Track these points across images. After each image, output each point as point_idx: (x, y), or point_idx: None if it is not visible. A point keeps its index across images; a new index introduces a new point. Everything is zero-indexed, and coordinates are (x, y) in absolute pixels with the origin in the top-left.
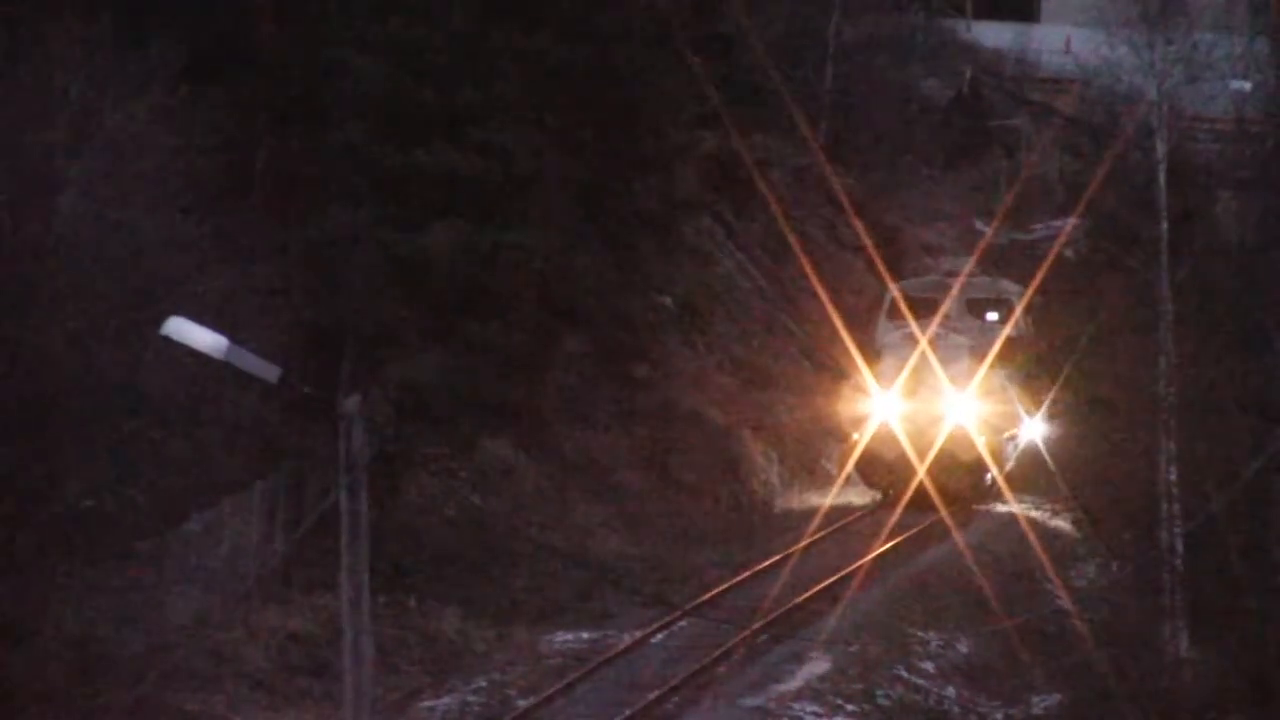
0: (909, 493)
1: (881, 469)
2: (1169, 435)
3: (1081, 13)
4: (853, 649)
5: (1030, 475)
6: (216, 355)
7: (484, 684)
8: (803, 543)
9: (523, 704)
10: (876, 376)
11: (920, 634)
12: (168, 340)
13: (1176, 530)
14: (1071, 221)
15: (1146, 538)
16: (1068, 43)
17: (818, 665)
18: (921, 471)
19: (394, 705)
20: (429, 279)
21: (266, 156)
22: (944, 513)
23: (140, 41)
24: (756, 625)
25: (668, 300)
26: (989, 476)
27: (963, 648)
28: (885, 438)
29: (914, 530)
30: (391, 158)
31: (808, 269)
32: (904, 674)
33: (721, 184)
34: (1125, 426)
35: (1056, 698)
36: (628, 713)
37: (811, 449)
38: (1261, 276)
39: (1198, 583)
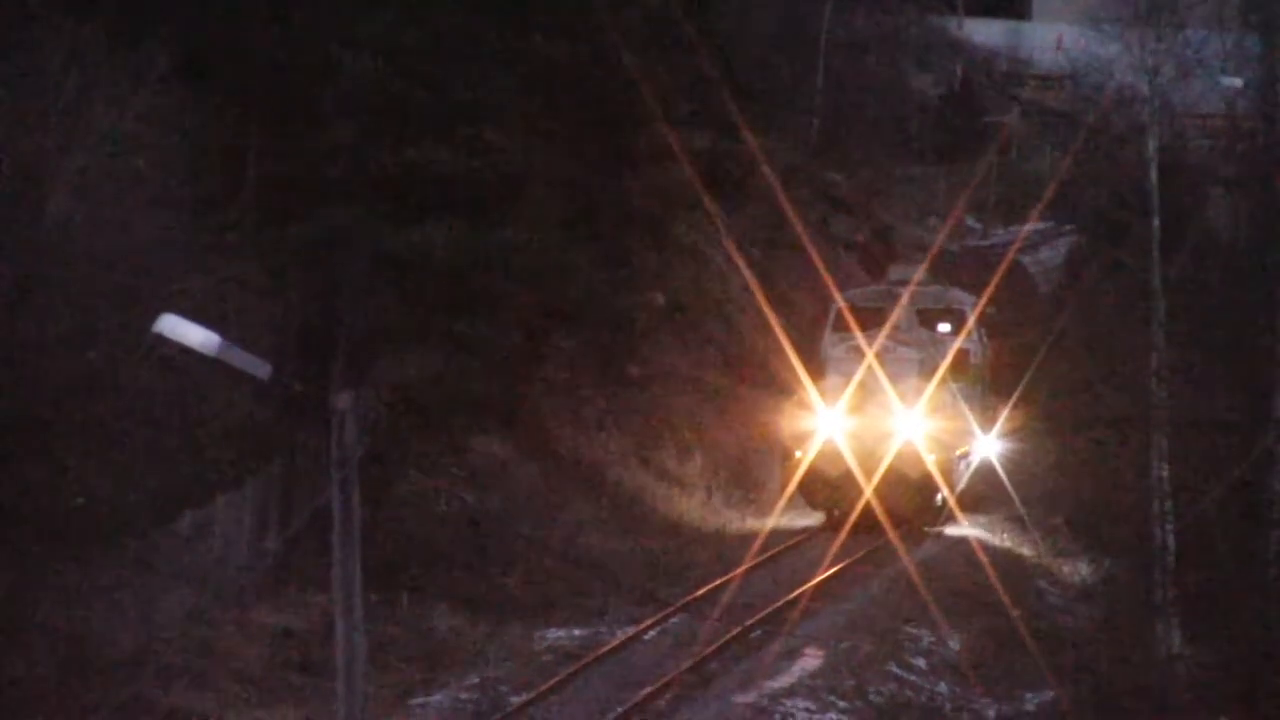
0: (855, 514)
1: (825, 488)
2: (1161, 433)
3: (1073, 10)
4: (845, 645)
5: (986, 494)
6: (209, 353)
7: (476, 681)
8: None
9: (515, 701)
10: (821, 392)
11: (913, 630)
12: (160, 338)
13: (1168, 528)
14: (1029, 228)
15: (1138, 535)
16: (1059, 40)
17: (810, 661)
18: (868, 491)
19: (387, 702)
20: (421, 277)
21: (258, 155)
22: (892, 535)
23: (132, 40)
24: (749, 622)
25: (659, 298)
26: (940, 497)
27: (954, 644)
28: (829, 455)
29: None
30: (383, 156)
31: (752, 282)
32: (896, 670)
33: (713, 182)
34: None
35: (1049, 694)
36: (620, 709)
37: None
38: (1252, 273)
39: (1189, 580)
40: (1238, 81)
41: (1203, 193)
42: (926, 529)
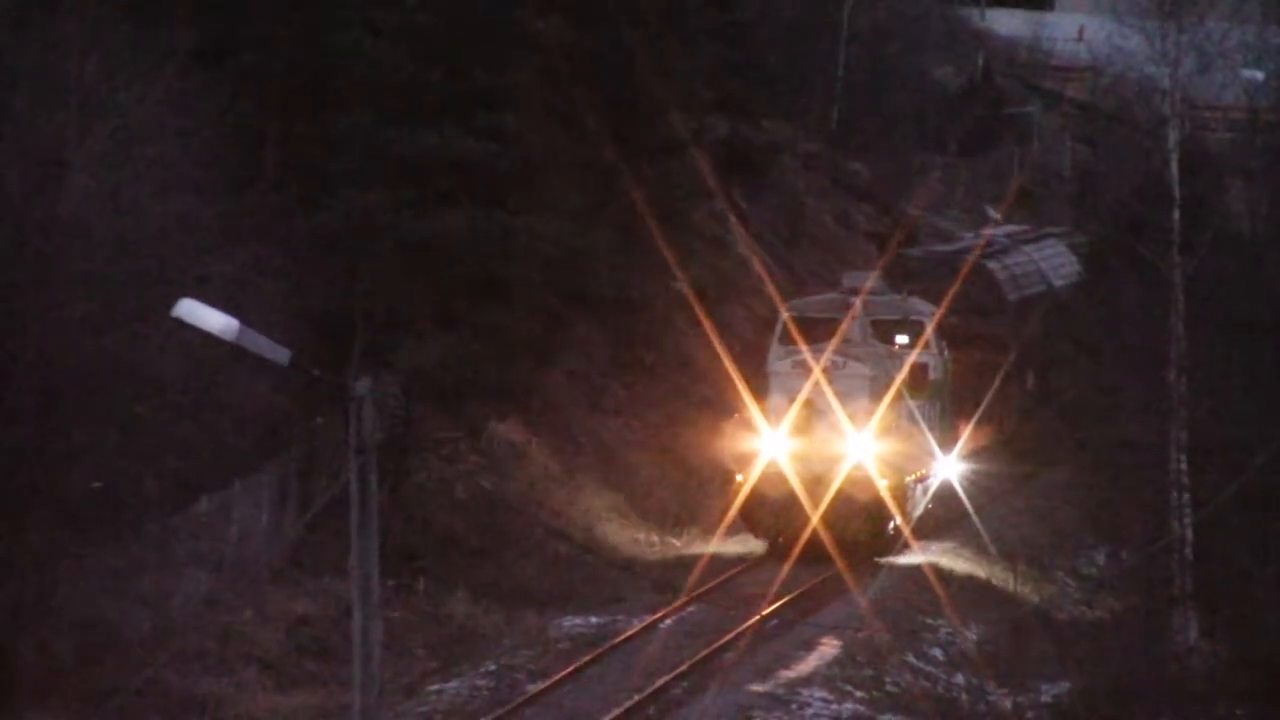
0: (801, 542)
1: (768, 514)
2: (1180, 426)
3: (1095, 1)
4: (861, 635)
5: (949, 520)
6: (227, 338)
7: (493, 668)
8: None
9: (531, 688)
10: (764, 411)
11: (930, 621)
12: (179, 323)
13: (1186, 520)
14: (991, 231)
15: (1156, 527)
16: (1081, 31)
17: (827, 651)
18: (815, 518)
19: (403, 689)
20: (440, 263)
21: (278, 140)
22: (840, 565)
23: (153, 24)
24: (765, 611)
25: (678, 286)
26: (893, 524)
27: (972, 635)
28: (772, 478)
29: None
30: (402, 142)
31: (687, 292)
32: (913, 660)
33: (733, 169)
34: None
35: (1066, 686)
36: (636, 698)
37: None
38: (1272, 265)
39: (1207, 572)
40: (1259, 74)
41: (1223, 184)
42: (879, 559)
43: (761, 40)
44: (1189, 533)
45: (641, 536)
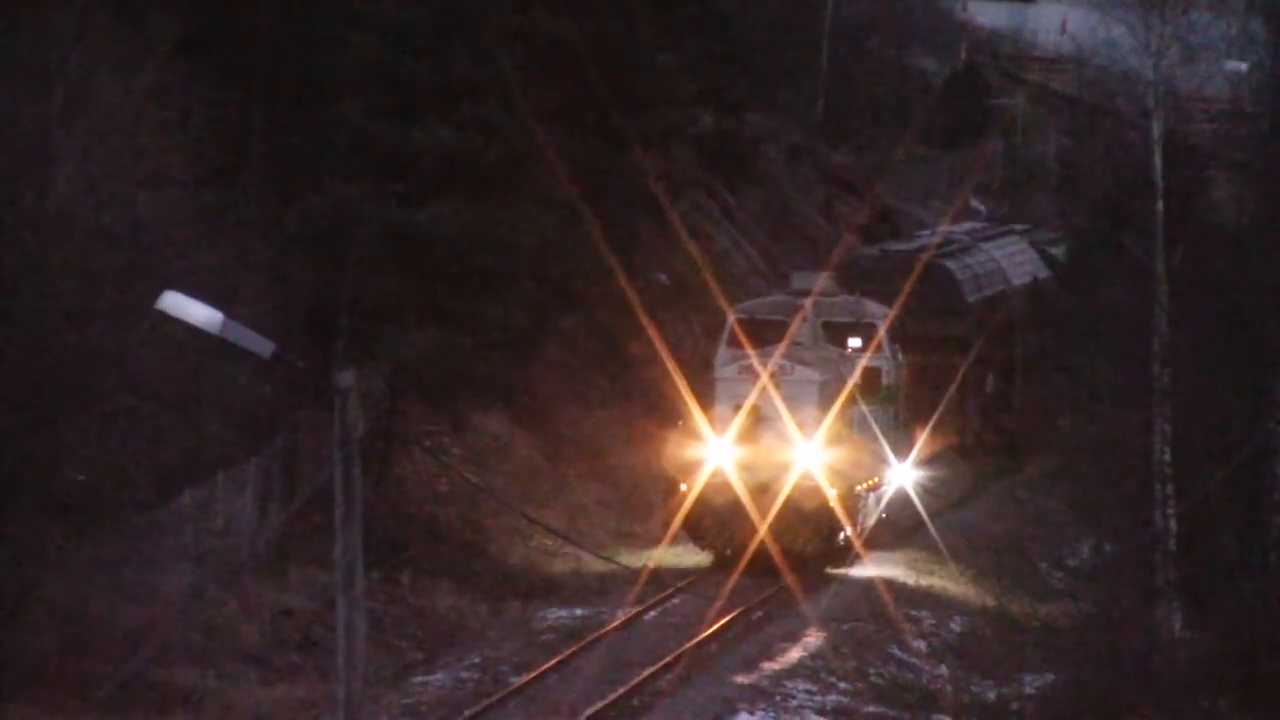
0: (748, 554)
1: (712, 523)
2: (1163, 417)
3: None
4: (846, 627)
5: (908, 529)
6: (212, 330)
7: (477, 660)
8: None
9: (515, 680)
10: (710, 418)
11: (914, 613)
12: (163, 315)
13: (1170, 511)
14: (945, 229)
15: (1140, 519)
16: (1064, 23)
17: (810, 642)
18: (763, 529)
19: (387, 681)
20: (424, 256)
21: (262, 132)
22: (789, 578)
23: (137, 16)
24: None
25: (663, 278)
26: (843, 535)
27: (956, 626)
28: (718, 487)
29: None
30: (387, 134)
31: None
32: (897, 652)
33: (718, 162)
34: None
35: (1049, 678)
36: (620, 689)
37: None
38: (1256, 257)
39: (1190, 564)
40: (1242, 65)
41: (1206, 176)
42: (831, 570)
43: (746, 33)
44: (1173, 525)
45: (625, 528)
